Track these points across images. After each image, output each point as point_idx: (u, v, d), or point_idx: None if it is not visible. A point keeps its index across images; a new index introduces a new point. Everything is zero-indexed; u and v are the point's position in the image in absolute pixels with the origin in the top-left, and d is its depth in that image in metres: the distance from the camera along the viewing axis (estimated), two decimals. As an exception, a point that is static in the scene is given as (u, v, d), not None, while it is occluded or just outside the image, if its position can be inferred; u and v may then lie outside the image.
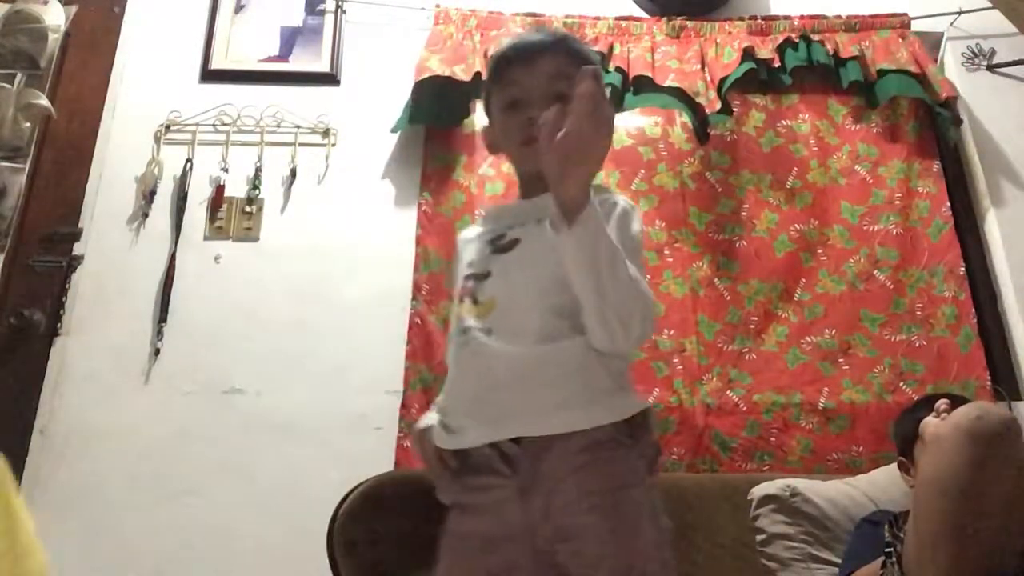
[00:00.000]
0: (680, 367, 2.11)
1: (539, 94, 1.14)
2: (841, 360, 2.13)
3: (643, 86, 2.28)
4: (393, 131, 2.30)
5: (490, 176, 2.30)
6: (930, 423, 1.32)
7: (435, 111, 2.30)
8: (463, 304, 1.12)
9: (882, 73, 2.33)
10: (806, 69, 2.38)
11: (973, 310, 2.18)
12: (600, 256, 0.95)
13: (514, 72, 1.18)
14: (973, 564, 1.17)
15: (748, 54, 2.32)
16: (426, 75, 2.23)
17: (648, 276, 1.21)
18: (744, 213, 2.30)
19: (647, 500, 1.03)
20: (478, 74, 2.24)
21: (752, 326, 2.17)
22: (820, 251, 2.26)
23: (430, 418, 1.17)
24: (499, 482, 1.03)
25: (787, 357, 2.14)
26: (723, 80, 2.28)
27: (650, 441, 1.09)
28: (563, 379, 1.02)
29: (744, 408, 2.07)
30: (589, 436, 1.01)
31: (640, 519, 1.01)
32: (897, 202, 2.29)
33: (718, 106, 2.23)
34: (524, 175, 1.22)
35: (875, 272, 2.22)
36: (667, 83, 2.27)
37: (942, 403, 1.38)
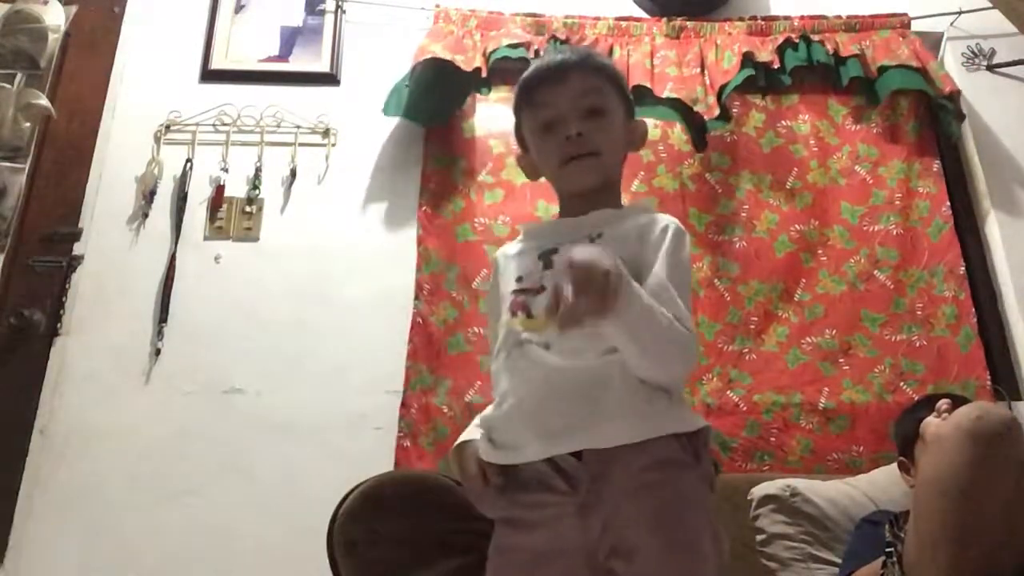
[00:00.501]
0: (680, 367, 2.10)
1: (571, 111, 1.14)
2: (841, 360, 2.13)
3: (642, 96, 2.26)
4: (385, 112, 2.28)
5: (489, 184, 2.30)
6: (931, 423, 1.32)
7: (433, 106, 2.29)
8: (516, 317, 1.12)
9: (883, 70, 2.32)
10: (806, 69, 2.38)
11: (973, 310, 2.17)
12: (634, 320, 0.96)
13: (544, 94, 1.17)
14: (973, 564, 1.17)
15: (748, 59, 2.31)
16: (427, 56, 2.22)
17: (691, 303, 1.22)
18: (744, 214, 2.30)
19: (709, 521, 1.02)
20: (478, 70, 2.24)
21: (752, 326, 2.17)
22: (820, 251, 2.26)
23: (470, 432, 1.16)
24: (555, 499, 1.02)
25: (787, 357, 2.14)
26: (723, 87, 2.27)
27: (710, 460, 1.09)
28: (623, 392, 1.02)
29: (744, 408, 2.07)
30: (653, 455, 1.00)
31: (702, 540, 1.00)
32: (897, 202, 2.29)
33: (717, 112, 2.23)
34: (566, 195, 1.22)
35: (875, 272, 2.22)
36: (666, 93, 2.25)
37: (943, 403, 1.38)
